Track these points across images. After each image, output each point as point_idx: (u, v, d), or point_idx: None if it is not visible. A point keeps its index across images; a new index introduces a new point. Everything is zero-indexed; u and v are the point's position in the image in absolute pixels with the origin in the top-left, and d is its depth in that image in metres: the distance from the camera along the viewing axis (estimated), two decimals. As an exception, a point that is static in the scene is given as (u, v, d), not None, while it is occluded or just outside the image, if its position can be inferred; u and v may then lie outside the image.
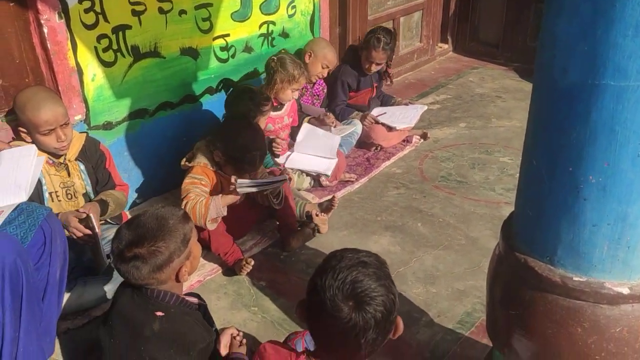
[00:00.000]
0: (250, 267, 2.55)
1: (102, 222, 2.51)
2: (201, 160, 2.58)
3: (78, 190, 2.39)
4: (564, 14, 1.17)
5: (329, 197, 3.10)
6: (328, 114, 3.52)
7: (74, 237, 2.19)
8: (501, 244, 1.54)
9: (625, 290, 1.31)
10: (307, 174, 3.27)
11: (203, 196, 2.48)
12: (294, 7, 3.60)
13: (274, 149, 3.13)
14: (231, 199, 2.47)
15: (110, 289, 2.32)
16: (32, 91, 2.27)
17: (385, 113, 3.81)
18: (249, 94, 2.88)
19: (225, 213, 2.49)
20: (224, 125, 2.65)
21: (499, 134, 4.02)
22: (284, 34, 3.61)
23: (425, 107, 3.99)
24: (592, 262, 1.32)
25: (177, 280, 1.67)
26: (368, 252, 1.35)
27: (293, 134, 3.41)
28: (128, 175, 3.00)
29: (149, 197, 3.16)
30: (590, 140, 1.20)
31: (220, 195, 2.48)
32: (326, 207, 2.98)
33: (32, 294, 1.63)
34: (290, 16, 3.60)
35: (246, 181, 2.43)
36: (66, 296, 2.22)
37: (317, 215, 2.87)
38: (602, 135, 1.18)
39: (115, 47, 2.72)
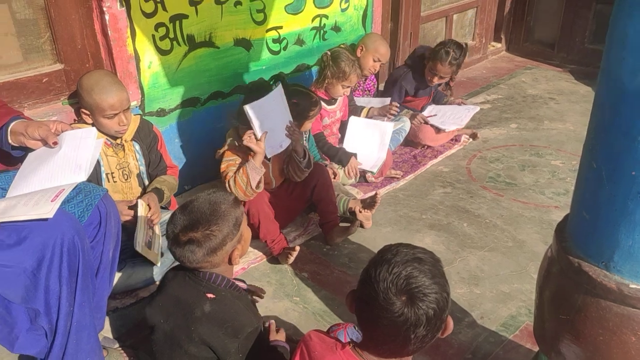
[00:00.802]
0: (295, 255, 2.57)
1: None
2: (231, 143, 2.64)
3: (132, 171, 2.46)
4: (635, 14, 1.13)
5: (372, 193, 3.09)
6: (394, 103, 3.51)
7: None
8: (554, 246, 1.50)
9: (685, 301, 1.26)
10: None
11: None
12: (347, 1, 3.60)
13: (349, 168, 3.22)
14: (260, 156, 2.52)
15: (157, 272, 2.39)
16: (98, 75, 2.34)
17: (435, 115, 3.76)
18: (296, 96, 2.89)
19: (264, 170, 2.55)
20: (243, 102, 2.63)
21: (552, 136, 3.92)
22: (336, 28, 3.61)
23: (478, 108, 3.93)
24: (651, 270, 1.27)
25: (230, 262, 1.72)
26: (423, 249, 1.35)
27: (342, 128, 3.41)
28: (178, 162, 3.06)
29: (197, 184, 3.22)
30: (657, 143, 1.16)
31: (248, 158, 2.54)
32: (369, 204, 2.97)
33: (87, 270, 1.68)
34: (343, 10, 3.60)
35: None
36: (116, 276, 2.30)
37: (360, 211, 2.86)
38: (670, 138, 1.14)
39: (171, 35, 2.78)
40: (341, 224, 2.85)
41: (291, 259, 2.57)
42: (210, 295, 1.64)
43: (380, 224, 2.96)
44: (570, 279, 1.42)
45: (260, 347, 1.69)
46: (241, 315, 1.65)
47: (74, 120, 2.49)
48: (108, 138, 2.38)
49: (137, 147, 2.47)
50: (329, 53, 3.12)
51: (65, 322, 1.64)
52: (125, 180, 2.46)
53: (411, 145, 3.78)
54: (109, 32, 2.53)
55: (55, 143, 1.78)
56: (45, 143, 1.80)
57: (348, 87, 3.17)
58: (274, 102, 2.57)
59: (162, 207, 2.60)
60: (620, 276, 1.32)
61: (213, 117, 3.13)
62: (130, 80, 2.67)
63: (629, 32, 1.16)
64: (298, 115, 2.88)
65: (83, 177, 1.76)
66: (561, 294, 1.45)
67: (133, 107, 2.72)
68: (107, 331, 2.18)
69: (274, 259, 2.66)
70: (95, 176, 2.32)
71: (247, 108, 2.46)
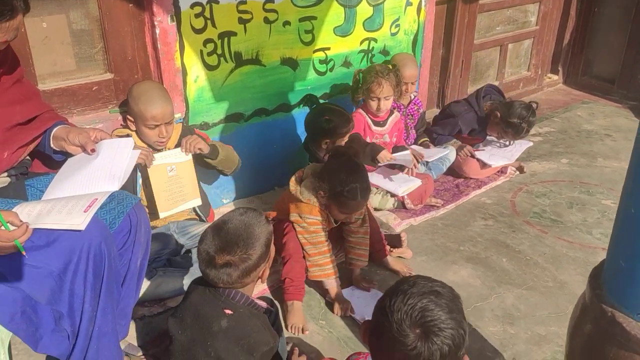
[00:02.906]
0: (299, 332, 2.33)
1: (191, 217, 2.60)
2: (316, 201, 2.42)
3: None
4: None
5: (396, 233, 2.96)
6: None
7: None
8: (587, 293, 1.42)
9: None
10: (391, 195, 3.21)
11: (327, 261, 2.45)
12: (397, 25, 3.58)
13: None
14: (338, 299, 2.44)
15: (187, 283, 2.40)
16: (148, 85, 2.42)
17: (484, 149, 3.67)
18: (328, 113, 2.86)
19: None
20: (325, 164, 2.48)
21: (605, 174, 3.75)
22: (385, 52, 3.59)
23: (531, 143, 3.81)
24: (691, 327, 1.18)
25: (260, 281, 1.74)
26: (442, 283, 1.29)
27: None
28: (217, 176, 3.09)
29: (236, 198, 3.25)
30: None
31: (337, 285, 2.46)
32: (394, 244, 2.85)
33: (112, 277, 1.70)
34: (393, 34, 3.58)
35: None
36: (146, 284, 2.33)
37: (391, 250, 2.79)
38: None
39: (219, 52, 2.83)
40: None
41: (291, 326, 2.34)
42: (228, 311, 1.63)
43: (416, 253, 2.88)
44: (602, 329, 1.33)
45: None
46: (258, 333, 1.64)
47: (121, 125, 2.56)
48: (150, 147, 2.43)
49: None
50: (362, 70, 3.14)
51: (87, 327, 1.67)
52: None
53: (454, 175, 3.69)
54: (158, 45, 2.60)
55: (93, 150, 1.83)
56: (84, 150, 1.85)
57: (376, 98, 3.10)
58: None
59: (198, 219, 2.63)
60: (657, 330, 1.22)
61: (256, 134, 3.16)
62: (176, 93, 2.73)
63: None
64: (330, 132, 2.86)
65: (116, 186, 1.79)
66: (592, 344, 1.36)
67: (177, 119, 2.77)
68: (132, 338, 2.20)
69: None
70: (132, 182, 2.36)
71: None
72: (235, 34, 2.85)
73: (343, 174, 2.34)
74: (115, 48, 2.59)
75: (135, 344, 2.19)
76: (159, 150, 2.46)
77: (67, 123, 1.97)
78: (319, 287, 2.56)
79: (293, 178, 2.52)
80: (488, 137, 3.80)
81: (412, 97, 3.60)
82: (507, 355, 2.23)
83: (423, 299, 1.21)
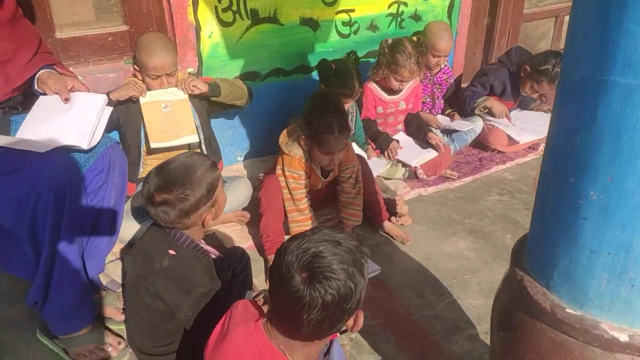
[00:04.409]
0: None
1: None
2: (297, 153, 2.45)
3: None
4: (579, 5, 0.99)
5: (395, 197, 2.86)
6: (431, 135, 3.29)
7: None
8: (510, 259, 1.35)
9: (623, 337, 1.07)
10: (403, 165, 3.15)
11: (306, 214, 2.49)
12: (431, -11, 3.46)
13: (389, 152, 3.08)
14: None
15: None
16: (152, 36, 2.48)
17: (514, 125, 3.49)
18: (336, 65, 2.81)
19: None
20: (304, 110, 2.51)
21: (647, 158, 3.47)
22: (416, 17, 3.48)
23: (563, 116, 3.59)
24: (588, 295, 1.10)
25: (203, 225, 1.76)
26: (351, 237, 1.27)
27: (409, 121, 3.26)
28: (233, 133, 3.17)
29: (250, 157, 3.31)
30: (595, 147, 0.99)
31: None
32: (391, 208, 2.78)
33: (75, 208, 1.80)
34: (425, -1, 3.47)
35: None
36: (137, 227, 2.44)
37: (390, 218, 2.75)
38: (608, 142, 0.97)
39: (234, 8, 2.86)
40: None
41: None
42: (171, 252, 1.69)
43: (417, 221, 2.83)
44: (514, 295, 1.27)
45: (215, 311, 1.71)
46: (196, 275, 1.69)
47: (132, 75, 2.66)
48: None
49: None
50: (389, 41, 2.99)
51: (49, 252, 1.77)
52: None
53: (481, 148, 3.55)
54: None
55: (67, 100, 1.92)
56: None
57: (402, 81, 3.00)
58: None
59: None
60: (559, 297, 1.15)
61: (272, 93, 3.18)
62: (188, 48, 2.80)
63: (576, 18, 1.01)
64: (325, 79, 2.83)
65: (85, 144, 1.86)
66: (504, 309, 1.31)
67: (190, 73, 2.84)
68: (117, 276, 2.32)
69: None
70: (136, 131, 2.46)
71: None
72: (251, -9, 2.87)
73: (320, 111, 2.36)
74: (131, 0, 2.69)
75: (120, 281, 2.31)
76: None
77: (59, 67, 2.07)
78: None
79: (285, 130, 2.54)
80: (519, 112, 3.63)
81: (442, 66, 3.48)
82: (480, 329, 2.17)
83: (319, 246, 1.20)
